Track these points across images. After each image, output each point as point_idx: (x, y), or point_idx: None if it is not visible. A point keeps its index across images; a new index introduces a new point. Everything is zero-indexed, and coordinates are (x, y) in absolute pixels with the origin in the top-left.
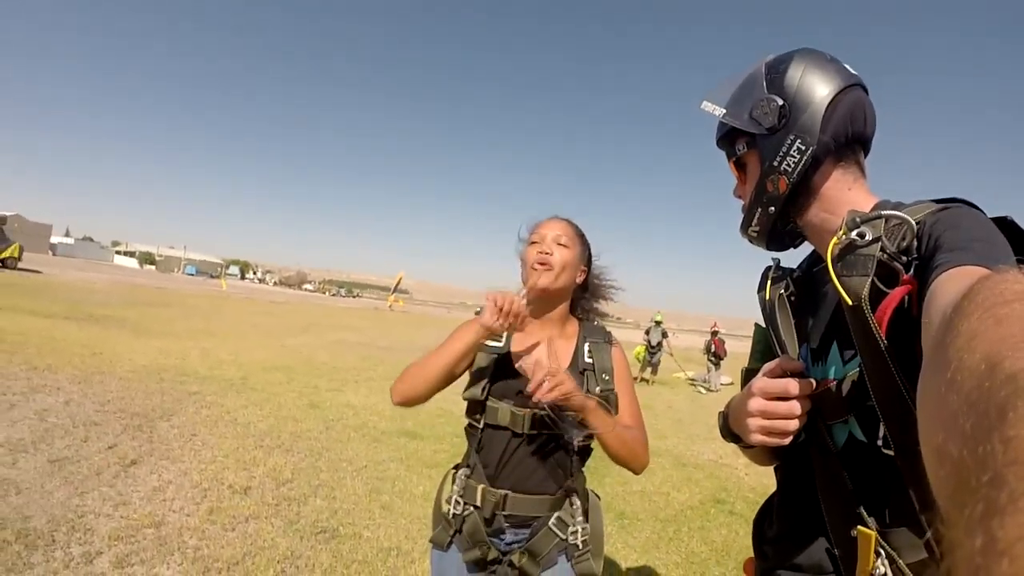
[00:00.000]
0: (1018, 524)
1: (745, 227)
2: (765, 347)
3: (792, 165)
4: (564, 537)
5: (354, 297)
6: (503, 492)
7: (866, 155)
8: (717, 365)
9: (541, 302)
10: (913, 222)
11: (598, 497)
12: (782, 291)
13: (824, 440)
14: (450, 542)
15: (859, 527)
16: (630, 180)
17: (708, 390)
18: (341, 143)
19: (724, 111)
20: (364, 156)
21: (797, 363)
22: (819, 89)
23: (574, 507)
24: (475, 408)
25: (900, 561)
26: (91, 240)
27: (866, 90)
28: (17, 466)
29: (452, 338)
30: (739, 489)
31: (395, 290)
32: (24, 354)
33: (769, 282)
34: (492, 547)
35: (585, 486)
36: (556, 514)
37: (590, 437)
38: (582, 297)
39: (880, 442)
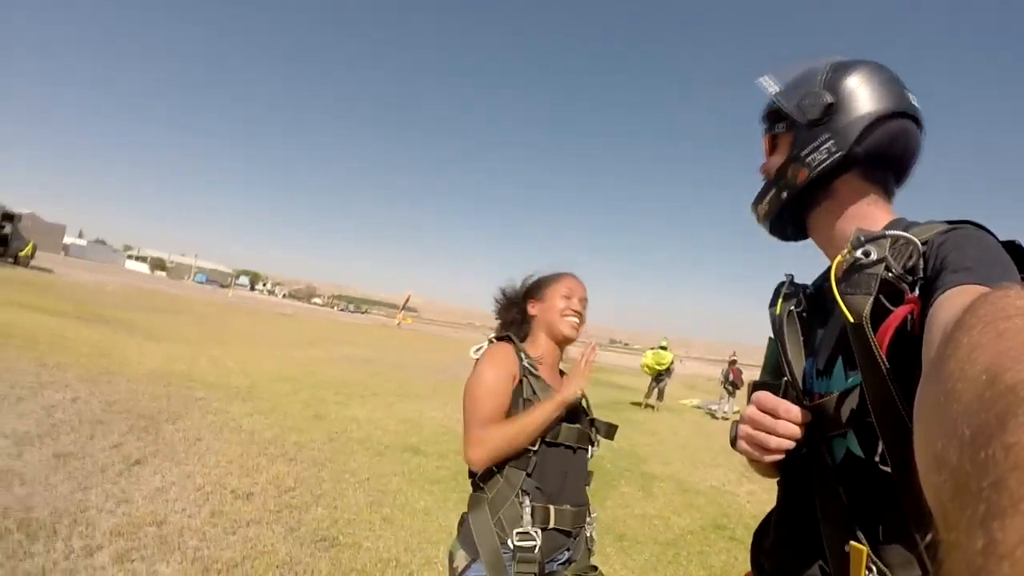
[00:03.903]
0: (1020, 527)
1: (756, 203)
2: (776, 361)
3: (817, 161)
4: (590, 547)
5: (362, 313)
6: (569, 508)
7: (899, 184)
8: (732, 394)
9: (559, 348)
10: (919, 242)
11: None
12: (792, 307)
13: (822, 454)
14: None
15: (852, 542)
16: (643, 203)
17: (714, 416)
18: (357, 160)
19: (778, 89)
20: (379, 173)
21: (804, 416)
22: (870, 103)
23: (593, 515)
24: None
25: None
26: (103, 243)
27: (921, 127)
28: (22, 458)
29: (538, 417)
30: (740, 516)
31: (403, 308)
32: (34, 350)
33: (781, 297)
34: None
35: None
36: (588, 521)
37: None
38: None
39: (878, 458)
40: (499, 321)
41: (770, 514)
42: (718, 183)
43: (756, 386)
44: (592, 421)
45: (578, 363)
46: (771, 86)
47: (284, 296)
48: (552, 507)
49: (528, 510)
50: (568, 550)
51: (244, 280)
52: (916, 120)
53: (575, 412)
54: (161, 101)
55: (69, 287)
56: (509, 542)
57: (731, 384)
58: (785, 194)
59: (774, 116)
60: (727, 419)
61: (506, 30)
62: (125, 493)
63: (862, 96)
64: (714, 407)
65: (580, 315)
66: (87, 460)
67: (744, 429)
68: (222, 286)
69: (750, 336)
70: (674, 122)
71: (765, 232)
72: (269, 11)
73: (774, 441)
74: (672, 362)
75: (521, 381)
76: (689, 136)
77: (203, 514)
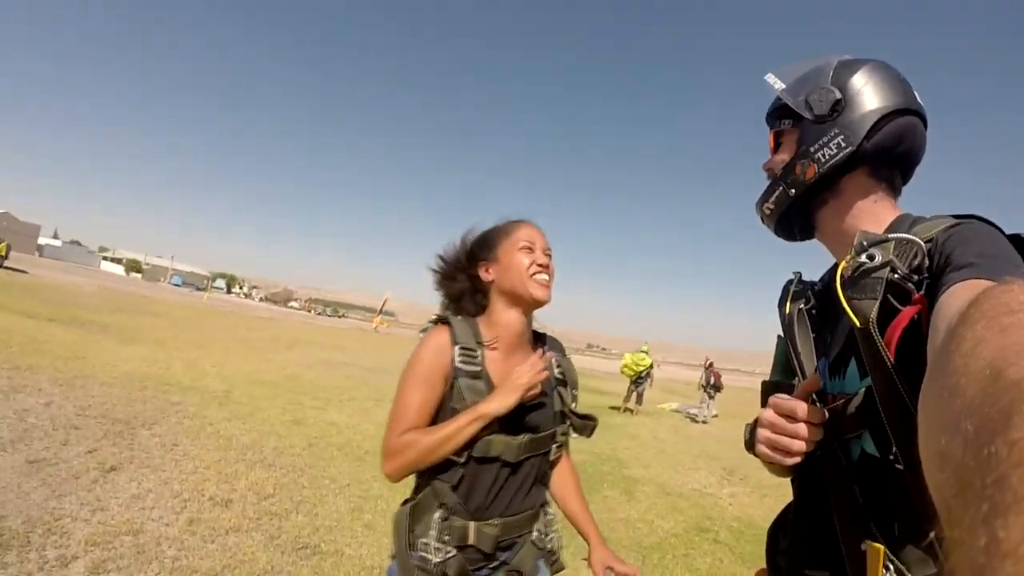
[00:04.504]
0: (1023, 525)
1: (762, 201)
2: (786, 360)
3: (826, 157)
4: (542, 547)
5: (340, 317)
6: (497, 522)
7: (905, 183)
8: (712, 396)
9: (526, 319)
10: (922, 242)
11: None
12: (802, 305)
13: (836, 454)
14: None
15: (868, 541)
16: (622, 202)
17: (694, 420)
18: (333, 164)
19: (784, 87)
20: (358, 175)
21: (814, 383)
22: (878, 99)
23: (548, 516)
24: (470, 442)
25: (908, 575)
26: (79, 244)
27: (926, 124)
28: None
29: (452, 434)
30: (723, 518)
31: (381, 311)
32: (7, 353)
33: (789, 297)
34: None
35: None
36: (535, 526)
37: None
38: None
39: (892, 457)
40: (446, 297)
41: (784, 512)
42: (706, 187)
43: (769, 387)
44: (563, 415)
45: (519, 370)
46: (777, 83)
47: (261, 299)
48: (472, 524)
49: (436, 526)
50: (497, 559)
51: (221, 283)
52: (922, 118)
53: (521, 419)
54: (138, 101)
55: (43, 288)
56: (417, 550)
57: (712, 387)
58: (793, 191)
59: (780, 113)
60: (707, 423)
61: (490, 25)
62: (100, 501)
63: (870, 92)
64: (694, 411)
65: (548, 269)
66: (61, 466)
67: (764, 434)
68: (198, 289)
69: (727, 341)
70: (652, 122)
71: (770, 232)
72: (245, 11)
73: (797, 444)
74: (651, 366)
75: (453, 384)
76: (672, 138)
77: (181, 522)
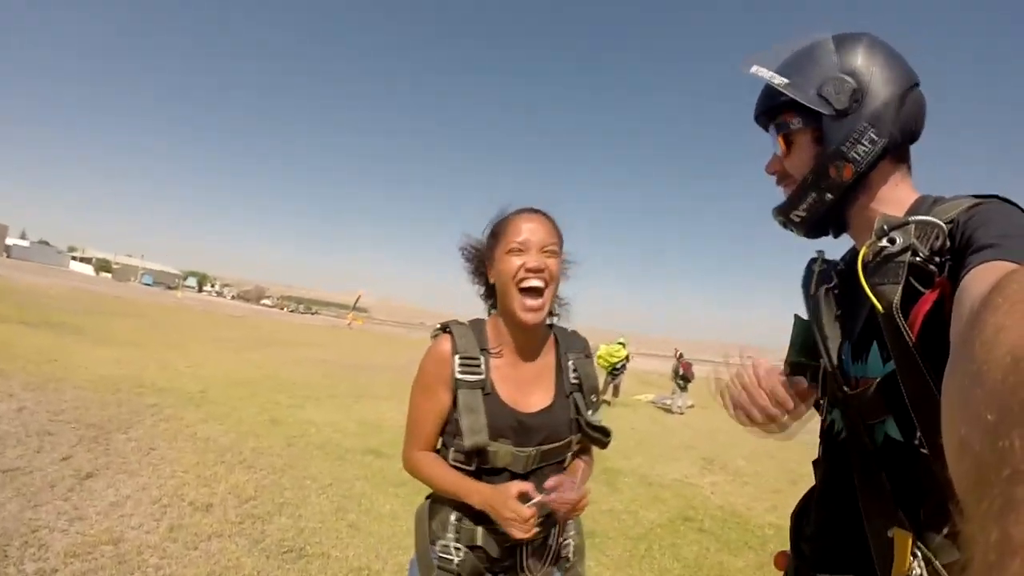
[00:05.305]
0: None
1: (789, 209)
2: (805, 340)
3: (862, 154)
4: (556, 551)
5: (312, 314)
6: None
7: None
8: (684, 388)
9: (526, 333)
10: (943, 224)
11: None
12: (827, 285)
13: (862, 439)
14: None
15: (895, 528)
16: (591, 193)
17: (669, 411)
18: (302, 160)
19: (785, 80)
20: (324, 176)
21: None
22: (892, 80)
23: (566, 524)
24: (471, 454)
25: (936, 562)
26: (47, 244)
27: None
28: None
29: (455, 492)
30: (706, 507)
31: (354, 308)
32: None
33: (815, 277)
34: None
35: None
36: (550, 531)
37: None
38: None
39: (918, 442)
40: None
41: (807, 497)
42: (681, 177)
43: (792, 368)
44: (578, 424)
45: (503, 508)
46: (775, 77)
47: (233, 297)
48: (480, 528)
49: (453, 527)
50: (507, 562)
51: (192, 281)
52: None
53: (533, 429)
54: (102, 95)
55: (13, 291)
56: (436, 548)
57: (682, 379)
58: (829, 196)
59: (782, 110)
60: (682, 414)
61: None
62: (78, 509)
63: (882, 74)
64: (668, 402)
65: (543, 274)
66: (35, 475)
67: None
68: (169, 288)
69: (700, 332)
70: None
71: (799, 237)
72: (194, 5)
73: (755, 413)
74: (627, 357)
75: (455, 394)
76: (646, 124)
77: (161, 529)
